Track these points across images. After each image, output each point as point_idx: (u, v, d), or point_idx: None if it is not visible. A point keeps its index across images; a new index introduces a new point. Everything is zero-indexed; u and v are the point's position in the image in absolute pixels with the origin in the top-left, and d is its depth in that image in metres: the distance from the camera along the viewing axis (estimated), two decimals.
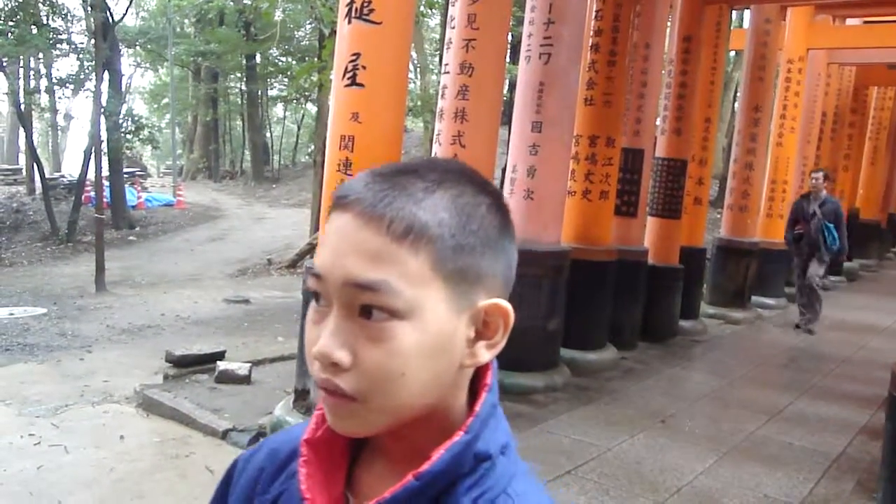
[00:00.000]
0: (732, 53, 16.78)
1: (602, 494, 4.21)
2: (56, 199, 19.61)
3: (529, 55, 6.11)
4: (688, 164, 8.72)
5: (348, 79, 4.42)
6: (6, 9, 16.40)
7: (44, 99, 23.86)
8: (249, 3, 23.52)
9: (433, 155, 5.52)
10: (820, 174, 9.14)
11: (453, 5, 5.52)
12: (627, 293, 7.58)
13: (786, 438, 5.38)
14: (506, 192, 6.28)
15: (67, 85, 18.68)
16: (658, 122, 8.45)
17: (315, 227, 14.57)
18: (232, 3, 24.50)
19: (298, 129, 36.19)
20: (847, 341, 9.02)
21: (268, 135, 33.82)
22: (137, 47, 27.97)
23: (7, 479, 4.55)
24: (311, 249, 14.15)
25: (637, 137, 7.71)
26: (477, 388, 0.78)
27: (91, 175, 15.88)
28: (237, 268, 15.57)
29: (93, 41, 16.61)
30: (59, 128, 31.56)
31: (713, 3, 8.86)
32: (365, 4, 4.34)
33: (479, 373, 0.79)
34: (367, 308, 0.69)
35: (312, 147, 30.97)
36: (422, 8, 15.12)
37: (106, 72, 16.59)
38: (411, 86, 22.38)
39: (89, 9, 18.03)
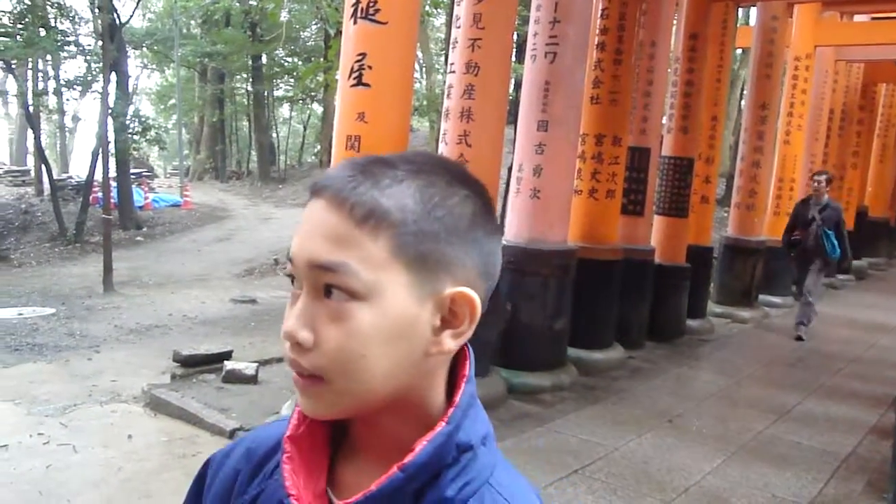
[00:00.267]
0: (739, 51, 16.71)
1: (610, 494, 4.20)
2: (64, 199, 19.65)
3: (535, 54, 6.10)
4: (694, 163, 8.70)
5: (354, 79, 4.42)
6: (15, 11, 16.46)
7: (52, 101, 23.91)
8: (255, 3, 23.57)
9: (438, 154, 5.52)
10: (823, 177, 8.51)
11: (459, 5, 5.52)
12: (634, 292, 7.56)
13: (794, 438, 5.36)
14: (512, 191, 6.28)
15: (75, 87, 18.74)
16: (664, 120, 8.42)
17: None
18: (238, 4, 24.55)
19: (304, 129, 36.19)
20: (856, 340, 8.98)
21: (274, 135, 33.84)
22: (144, 49, 28.04)
23: (16, 478, 4.57)
24: None
25: (643, 136, 7.69)
26: (456, 381, 0.78)
27: (98, 176, 15.93)
28: (244, 268, 15.59)
29: (100, 43, 16.65)
30: (66, 129, 31.69)
31: (719, 1, 8.83)
32: (370, 4, 4.34)
33: (458, 364, 0.79)
34: (329, 288, 0.71)
35: (318, 147, 31.07)
36: (427, 7, 15.12)
37: (113, 73, 16.63)
38: (417, 85, 22.39)
39: (96, 11, 18.11)
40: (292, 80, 30.56)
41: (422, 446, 0.72)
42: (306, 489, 0.78)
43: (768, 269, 10.40)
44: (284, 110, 39.85)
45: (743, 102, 15.51)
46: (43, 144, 21.92)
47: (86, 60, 17.96)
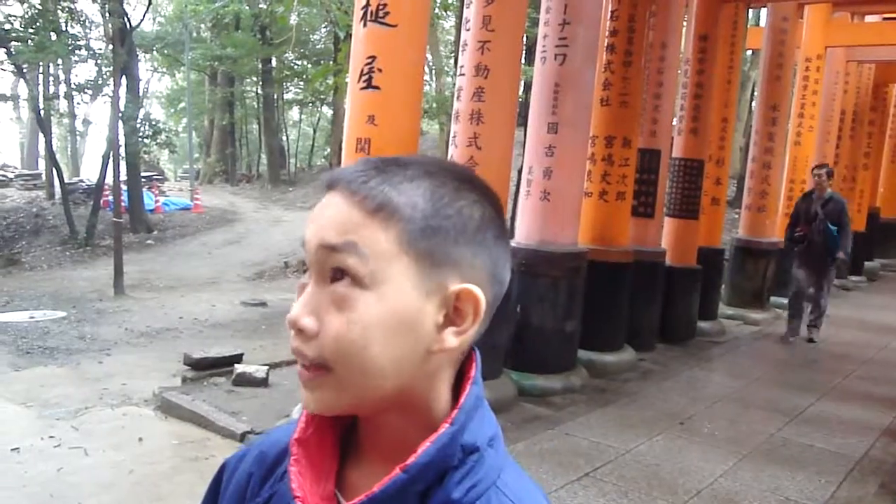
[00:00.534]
0: (749, 52, 16.65)
1: (621, 497, 4.18)
2: (75, 203, 19.75)
3: (545, 56, 6.09)
4: (705, 165, 8.67)
5: (364, 81, 4.43)
6: (26, 16, 16.57)
7: (63, 104, 24.01)
8: (265, 7, 23.65)
9: (450, 157, 5.52)
10: (823, 170, 8.24)
11: (468, 7, 5.52)
12: (645, 294, 7.54)
13: (807, 440, 5.33)
14: (522, 194, 6.27)
15: (86, 90, 18.81)
16: (675, 122, 8.39)
17: None
18: (248, 8, 24.61)
19: (314, 132, 36.27)
20: (868, 342, 8.92)
21: (284, 138, 33.93)
22: (154, 52, 28.10)
23: (28, 480, 4.58)
24: None
25: (654, 138, 7.67)
26: (462, 383, 0.79)
27: (109, 179, 16.02)
28: (254, 271, 15.64)
29: (111, 47, 16.74)
30: (77, 133, 31.81)
31: (729, 2, 8.80)
32: (380, 7, 4.34)
33: (465, 368, 0.80)
34: (335, 272, 0.72)
35: (328, 150, 31.11)
36: (437, 10, 15.14)
37: (123, 77, 16.70)
38: (426, 88, 22.40)
39: (107, 15, 18.17)
40: (302, 83, 30.63)
41: (424, 447, 0.72)
42: (313, 492, 0.78)
43: (780, 270, 10.34)
44: (294, 113, 39.99)
45: (753, 104, 15.47)
46: (54, 148, 22.03)
47: (96, 64, 18.04)
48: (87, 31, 18.76)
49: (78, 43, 17.64)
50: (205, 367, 6.62)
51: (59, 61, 21.72)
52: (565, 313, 6.16)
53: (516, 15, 5.50)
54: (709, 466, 4.71)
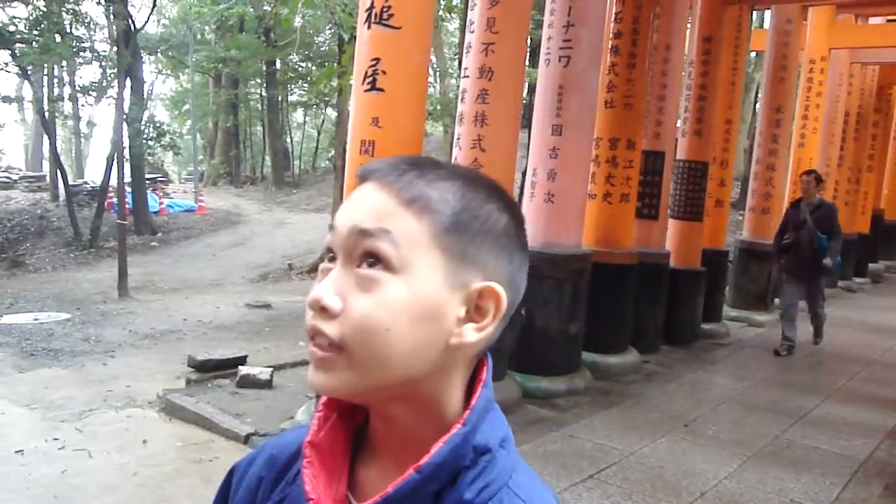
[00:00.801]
0: (753, 54, 16.63)
1: (625, 499, 4.18)
2: (79, 205, 19.78)
3: (549, 58, 6.09)
4: (709, 167, 8.66)
5: (368, 84, 4.43)
6: (31, 18, 16.61)
7: (67, 106, 24.04)
8: (269, 9, 23.68)
9: (453, 159, 5.53)
10: (811, 176, 7.96)
11: (472, 9, 5.52)
12: (649, 296, 7.54)
13: (811, 442, 5.32)
14: (526, 196, 6.27)
15: (90, 92, 18.84)
16: (679, 124, 8.39)
17: None
18: (252, 10, 24.64)
19: (318, 134, 36.28)
20: (872, 344, 8.91)
21: (288, 140, 33.95)
22: (159, 54, 28.17)
23: (32, 482, 4.59)
24: None
25: (658, 140, 7.67)
26: (474, 386, 0.80)
27: (114, 181, 16.04)
28: (258, 273, 15.65)
29: (115, 49, 16.79)
30: (82, 135, 31.77)
31: (733, 4, 8.80)
32: (385, 9, 4.35)
33: (476, 371, 0.81)
34: (366, 255, 0.73)
35: (333, 152, 31.08)
36: (441, 12, 15.14)
37: (128, 79, 16.75)
38: (431, 90, 22.41)
39: (112, 17, 18.22)
40: (306, 85, 30.64)
41: (437, 448, 0.73)
42: (327, 494, 0.79)
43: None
44: (298, 115, 39.95)
45: (757, 106, 15.44)
46: (58, 150, 22.06)
47: (101, 66, 18.05)
48: (92, 32, 18.76)
49: (82, 45, 17.67)
50: (209, 369, 6.62)
51: (64, 63, 21.81)
52: (569, 315, 6.15)
53: (520, 17, 5.50)
54: (713, 468, 4.70)
